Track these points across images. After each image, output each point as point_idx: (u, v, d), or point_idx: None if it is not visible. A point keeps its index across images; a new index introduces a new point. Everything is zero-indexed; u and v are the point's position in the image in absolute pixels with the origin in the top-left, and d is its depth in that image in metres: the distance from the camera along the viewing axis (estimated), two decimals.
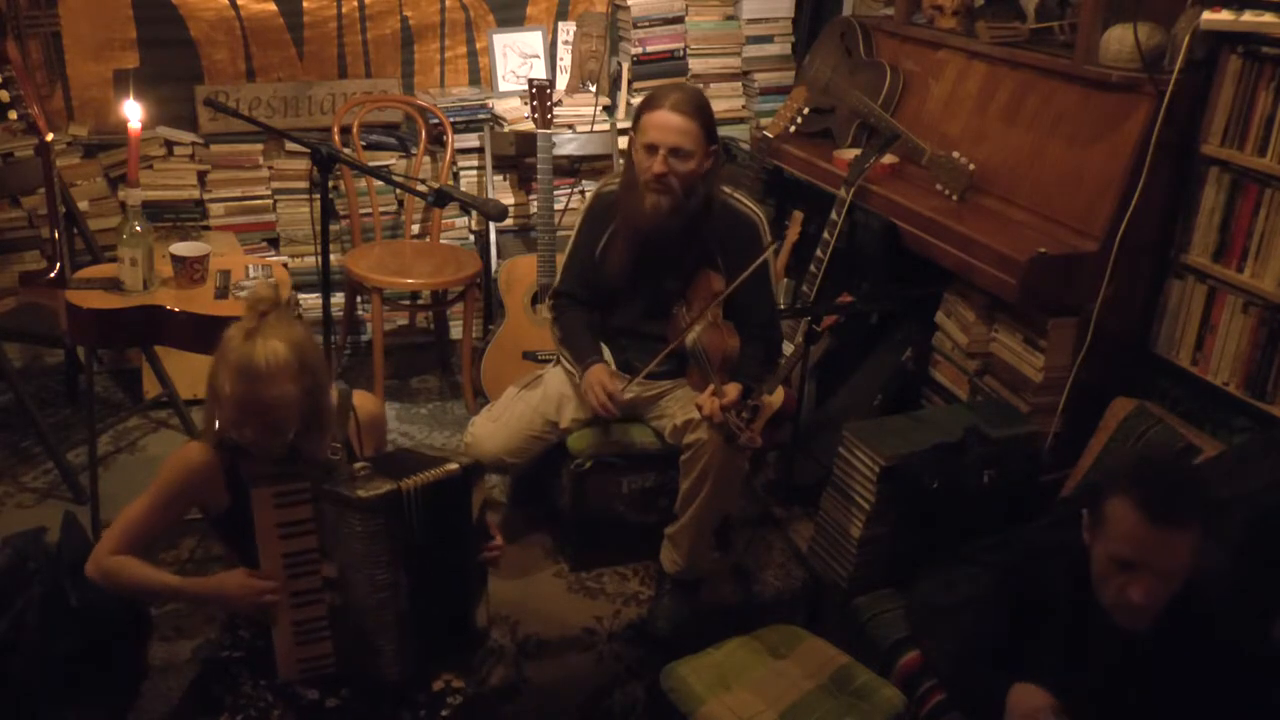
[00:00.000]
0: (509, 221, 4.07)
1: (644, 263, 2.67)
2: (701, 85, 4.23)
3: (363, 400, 2.05)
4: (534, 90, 3.56)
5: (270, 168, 3.90)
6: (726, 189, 2.71)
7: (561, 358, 2.79)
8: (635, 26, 4.10)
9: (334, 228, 3.95)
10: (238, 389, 1.78)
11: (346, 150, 3.76)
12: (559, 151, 3.89)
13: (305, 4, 3.91)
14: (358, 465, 1.86)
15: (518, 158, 4.08)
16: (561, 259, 2.91)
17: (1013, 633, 1.95)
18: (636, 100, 3.41)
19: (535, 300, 3.56)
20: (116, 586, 1.88)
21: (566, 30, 4.18)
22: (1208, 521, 1.71)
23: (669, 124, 2.53)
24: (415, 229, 4.07)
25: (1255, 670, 1.82)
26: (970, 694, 2.01)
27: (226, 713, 1.81)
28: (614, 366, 2.74)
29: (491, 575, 2.03)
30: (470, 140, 4.04)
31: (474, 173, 4.10)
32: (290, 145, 3.86)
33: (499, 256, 3.89)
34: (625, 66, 4.15)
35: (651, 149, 2.55)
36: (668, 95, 2.57)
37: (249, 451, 1.86)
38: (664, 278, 2.69)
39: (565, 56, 4.20)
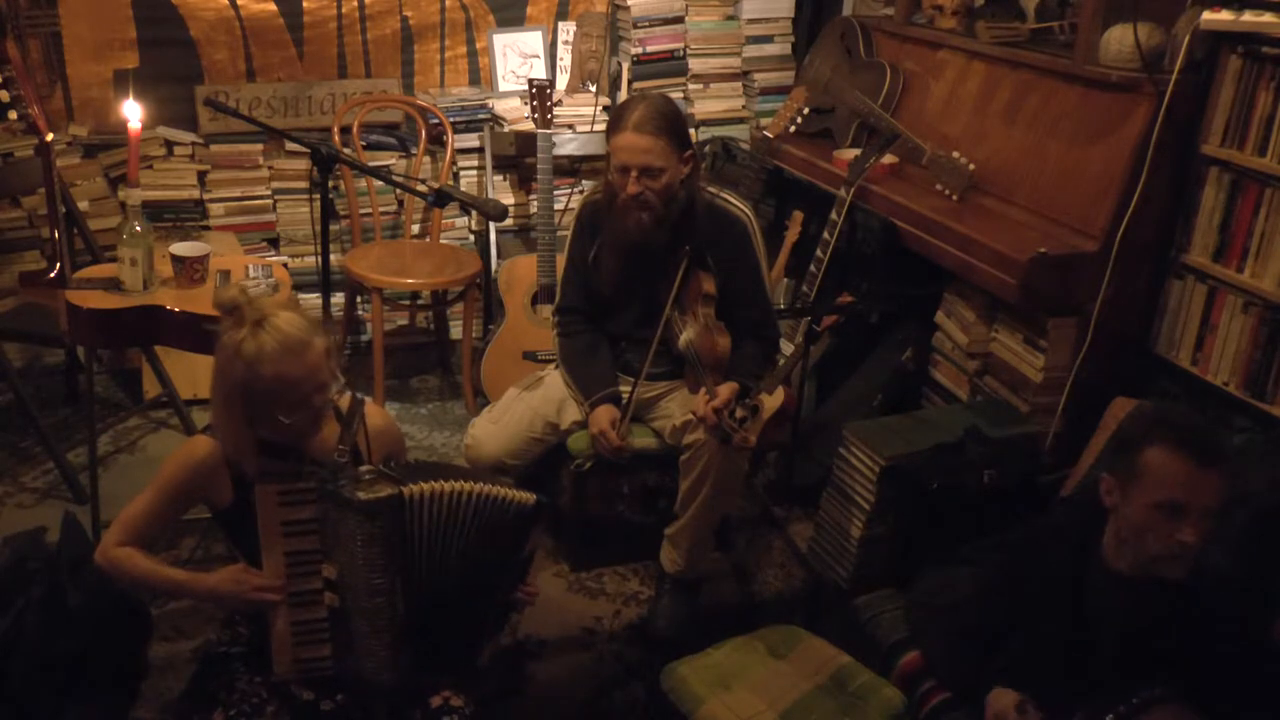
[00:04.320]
0: (509, 221, 4.07)
1: (634, 271, 2.68)
2: (701, 85, 4.23)
3: (371, 411, 2.04)
4: (534, 90, 3.56)
5: (270, 168, 3.90)
6: (713, 189, 2.70)
7: (565, 383, 2.79)
8: (635, 26, 4.10)
9: (334, 228, 3.96)
10: (283, 370, 1.77)
11: (346, 150, 3.76)
12: (559, 151, 3.89)
13: (305, 4, 3.91)
14: (364, 469, 1.84)
15: (518, 158, 4.08)
16: (561, 260, 2.91)
17: (1011, 620, 2.00)
18: None
19: (535, 300, 3.56)
20: (122, 578, 1.89)
21: (566, 30, 4.18)
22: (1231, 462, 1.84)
23: (635, 146, 2.52)
24: (415, 229, 4.07)
25: (1255, 661, 1.86)
26: (963, 683, 2.04)
27: (221, 708, 1.81)
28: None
29: None
30: (470, 140, 4.04)
31: (474, 173, 4.10)
32: (290, 145, 3.86)
33: (499, 256, 3.89)
34: (625, 66, 4.15)
35: (624, 171, 2.56)
36: (630, 114, 2.54)
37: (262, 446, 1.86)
38: (655, 283, 2.69)
39: (565, 56, 4.20)
